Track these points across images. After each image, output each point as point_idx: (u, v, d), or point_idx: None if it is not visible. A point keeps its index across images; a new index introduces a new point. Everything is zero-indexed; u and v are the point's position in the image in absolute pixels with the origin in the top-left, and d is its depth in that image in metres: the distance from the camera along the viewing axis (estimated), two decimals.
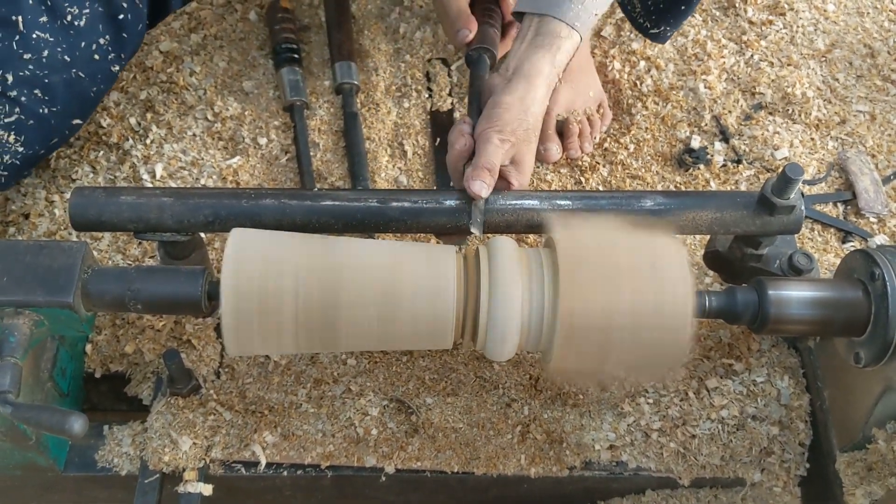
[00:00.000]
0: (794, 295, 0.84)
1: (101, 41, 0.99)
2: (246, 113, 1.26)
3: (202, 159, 1.20)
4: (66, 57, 0.97)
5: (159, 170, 1.18)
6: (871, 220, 1.23)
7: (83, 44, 0.98)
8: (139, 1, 1.01)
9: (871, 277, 0.83)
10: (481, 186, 0.85)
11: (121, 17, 0.99)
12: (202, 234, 0.98)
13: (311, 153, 1.23)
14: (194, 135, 1.23)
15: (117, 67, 1.03)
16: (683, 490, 0.99)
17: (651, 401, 1.00)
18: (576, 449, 0.97)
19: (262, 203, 0.86)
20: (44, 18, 0.94)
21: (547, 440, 0.98)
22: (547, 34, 0.93)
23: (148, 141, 1.21)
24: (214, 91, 1.27)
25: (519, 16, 0.99)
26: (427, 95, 1.31)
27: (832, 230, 1.22)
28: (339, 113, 1.28)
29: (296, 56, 1.30)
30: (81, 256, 0.79)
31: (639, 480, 0.99)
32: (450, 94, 1.31)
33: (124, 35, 1.01)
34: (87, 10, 0.96)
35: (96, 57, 1.00)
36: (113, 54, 1.02)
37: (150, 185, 1.17)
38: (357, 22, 1.39)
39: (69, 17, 0.96)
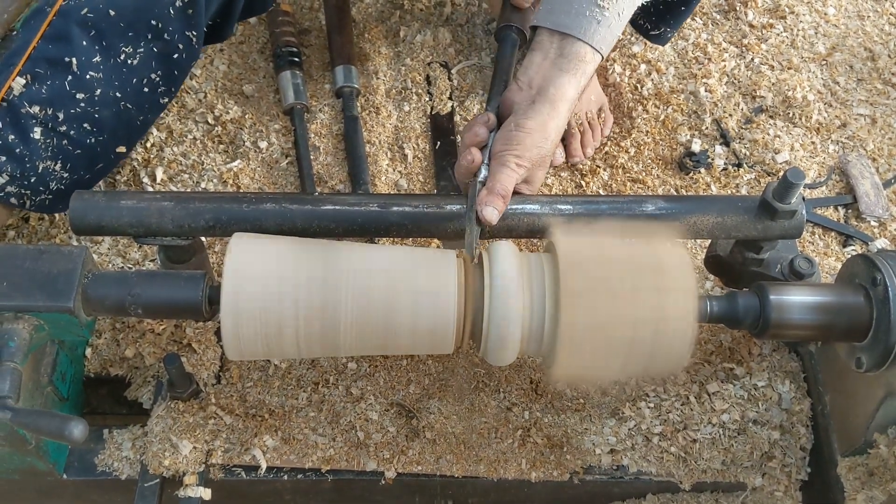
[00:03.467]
0: (795, 300, 0.84)
1: (153, 76, 0.99)
2: (246, 116, 1.26)
3: (202, 163, 1.20)
4: (116, 93, 0.97)
5: (160, 173, 1.18)
6: (872, 223, 1.23)
7: (134, 80, 0.98)
8: (195, 41, 1.00)
9: (872, 282, 0.83)
10: (493, 213, 0.84)
11: (175, 56, 0.99)
12: (202, 238, 0.98)
13: (312, 157, 1.23)
14: (195, 138, 1.23)
15: (166, 100, 1.04)
16: (684, 494, 0.99)
17: (652, 405, 1.00)
18: (576, 453, 0.97)
19: (263, 207, 0.86)
20: (97, 58, 0.94)
21: (548, 444, 0.98)
22: (572, 57, 0.90)
23: (148, 144, 1.21)
24: (215, 94, 1.27)
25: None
26: (427, 99, 1.31)
27: (833, 234, 1.22)
28: (339, 116, 1.28)
29: (296, 59, 1.30)
30: (81, 261, 0.79)
31: (640, 485, 0.98)
32: (450, 98, 1.31)
33: (176, 73, 1.01)
34: (142, 50, 0.97)
35: (146, 90, 1.00)
36: (163, 88, 1.02)
37: (150, 189, 1.16)
38: (357, 25, 1.39)
39: (122, 56, 0.96)
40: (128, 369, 1.01)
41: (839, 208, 1.25)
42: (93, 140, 0.98)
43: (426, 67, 1.35)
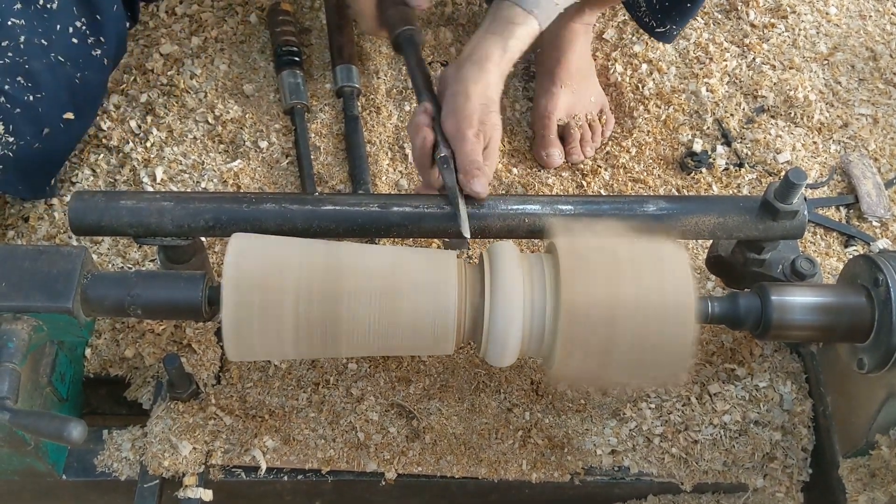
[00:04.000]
0: (797, 301, 0.84)
1: (78, 24, 0.99)
2: (246, 116, 1.25)
3: (203, 162, 1.20)
4: (42, 41, 0.97)
5: (160, 173, 1.18)
6: (874, 223, 1.23)
7: (58, 27, 0.98)
8: None
9: (874, 283, 0.82)
10: (479, 184, 0.84)
11: None
12: (202, 239, 0.98)
13: (312, 156, 1.23)
14: (195, 138, 1.22)
15: (99, 52, 1.03)
16: (686, 495, 0.99)
17: (653, 406, 1.00)
18: (577, 454, 0.97)
19: (263, 207, 0.86)
20: (17, 6, 0.95)
21: (548, 445, 0.97)
22: (501, 19, 0.92)
23: (148, 144, 1.21)
24: (215, 94, 1.27)
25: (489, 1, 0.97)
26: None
27: (835, 234, 1.21)
28: (339, 116, 1.28)
29: (296, 59, 1.30)
30: (81, 262, 0.78)
31: (641, 486, 0.98)
32: None
33: (99, 17, 1.01)
34: None
35: (74, 41, 1.00)
36: (92, 38, 1.02)
37: (150, 189, 1.16)
38: (358, 25, 1.38)
39: (41, 1, 0.96)
40: (127, 370, 1.01)
41: (841, 208, 1.24)
42: (31, 98, 0.98)
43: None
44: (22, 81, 0.97)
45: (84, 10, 1.00)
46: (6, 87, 0.96)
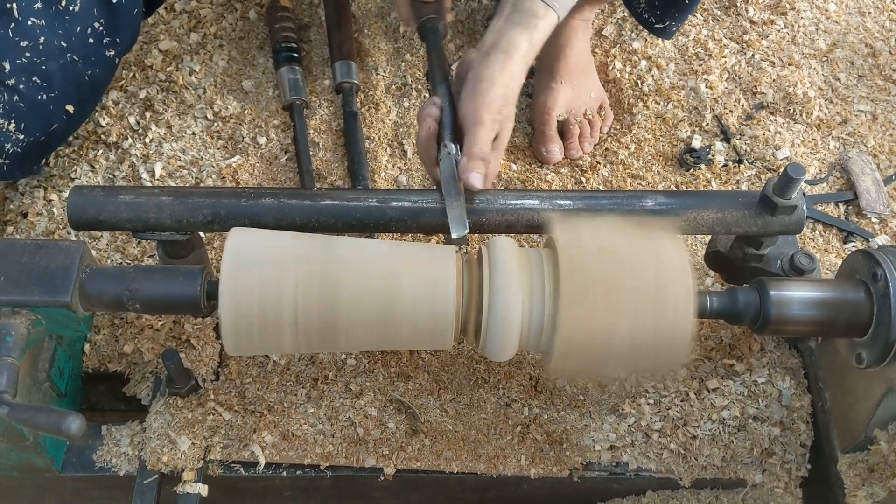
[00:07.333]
0: (795, 295, 0.84)
1: (96, 25, 0.99)
2: (245, 112, 1.25)
3: (202, 158, 1.20)
4: (62, 42, 0.97)
5: (158, 169, 1.18)
6: (873, 220, 1.23)
7: (78, 28, 0.98)
8: None
9: (873, 278, 0.82)
10: (477, 178, 0.84)
11: (115, 1, 0.99)
12: (201, 234, 0.98)
13: (311, 152, 1.23)
14: (194, 134, 1.22)
15: (112, 52, 1.03)
16: (684, 491, 0.99)
17: (652, 401, 1.00)
18: (576, 449, 0.97)
19: (262, 202, 0.86)
20: (38, 5, 0.94)
21: (547, 441, 0.97)
22: (524, 12, 0.92)
23: (147, 140, 1.21)
24: (214, 90, 1.27)
25: None
26: (427, 94, 1.31)
27: (834, 230, 1.21)
28: (338, 112, 1.28)
29: (295, 55, 1.30)
30: (79, 256, 0.78)
31: (639, 481, 0.98)
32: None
33: (119, 19, 1.01)
34: None
35: (91, 41, 0.99)
36: (108, 39, 1.01)
37: (149, 185, 1.16)
38: (357, 21, 1.38)
39: (63, 3, 0.95)
40: (126, 365, 1.01)
41: (840, 205, 1.24)
42: (44, 97, 0.98)
43: (426, 63, 1.34)
44: (37, 81, 0.96)
45: (104, 12, 0.99)
46: (21, 86, 0.95)
